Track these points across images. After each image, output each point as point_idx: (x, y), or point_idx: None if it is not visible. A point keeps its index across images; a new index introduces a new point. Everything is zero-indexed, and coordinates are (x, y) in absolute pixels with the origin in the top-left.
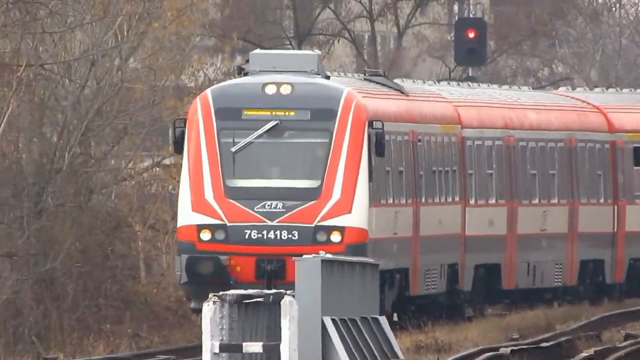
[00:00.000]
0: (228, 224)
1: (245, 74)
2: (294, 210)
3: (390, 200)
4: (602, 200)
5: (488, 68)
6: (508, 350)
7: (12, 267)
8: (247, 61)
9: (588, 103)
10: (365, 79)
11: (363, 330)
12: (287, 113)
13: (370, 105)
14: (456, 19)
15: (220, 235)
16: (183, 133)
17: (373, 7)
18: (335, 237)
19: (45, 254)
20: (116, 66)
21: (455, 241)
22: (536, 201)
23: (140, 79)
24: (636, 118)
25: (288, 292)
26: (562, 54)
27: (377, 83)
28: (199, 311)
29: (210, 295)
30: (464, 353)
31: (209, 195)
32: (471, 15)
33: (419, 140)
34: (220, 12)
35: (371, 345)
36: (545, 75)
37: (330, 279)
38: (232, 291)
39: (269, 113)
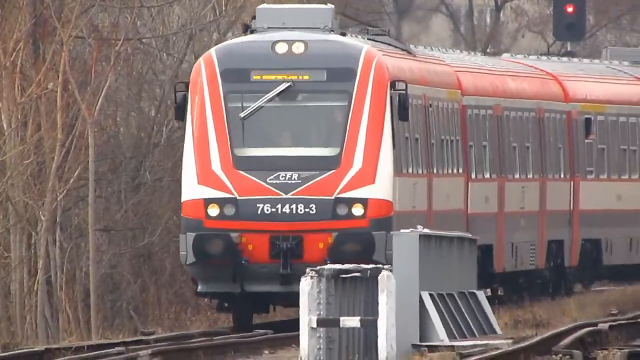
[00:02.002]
0: (238, 198)
1: (252, 32)
2: (311, 182)
3: (411, 170)
4: (562, 176)
5: (587, 43)
6: (606, 325)
7: (110, 242)
8: (254, 17)
9: (541, 70)
10: (368, 39)
11: (460, 305)
12: (301, 74)
13: (391, 64)
14: None
15: (230, 211)
16: (185, 98)
17: None
18: (358, 210)
19: (143, 228)
20: (214, 40)
21: (460, 218)
22: (517, 176)
23: None
24: (588, 87)
25: (386, 266)
26: None
27: (383, 43)
28: (205, 295)
29: (308, 270)
30: (562, 328)
31: (216, 166)
32: None
33: (430, 106)
34: None
35: (469, 320)
36: None
37: (428, 253)
38: (329, 265)
39: (280, 74)
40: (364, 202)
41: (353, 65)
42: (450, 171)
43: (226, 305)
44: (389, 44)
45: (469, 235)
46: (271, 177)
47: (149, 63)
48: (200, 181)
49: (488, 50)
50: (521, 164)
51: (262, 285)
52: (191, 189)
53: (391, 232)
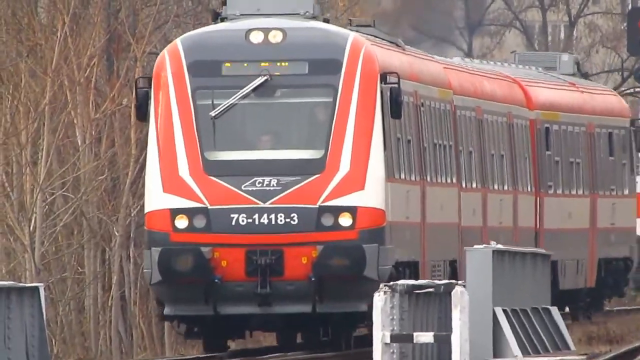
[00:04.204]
0: (210, 208)
1: (223, 20)
2: (292, 189)
3: (403, 176)
4: (528, 190)
5: None
6: None
7: None
8: (224, 3)
9: (503, 74)
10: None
11: (534, 320)
12: (279, 65)
13: (381, 55)
14: (629, 8)
15: (201, 222)
16: (148, 95)
17: None
18: (345, 220)
19: None
20: None
21: (454, 232)
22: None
23: None
24: (545, 94)
25: (459, 282)
26: None
27: (369, 35)
28: (172, 319)
29: (382, 285)
30: (637, 344)
31: (184, 172)
32: None
33: (422, 105)
34: (392, 1)
35: (542, 336)
36: None
37: (501, 269)
38: (402, 281)
39: (256, 67)
40: (352, 210)
41: (338, 55)
42: (443, 180)
43: (196, 330)
44: (376, 36)
45: (542, 250)
46: (247, 183)
47: None
48: (166, 189)
49: None
50: (499, 175)
51: (238, 307)
52: (156, 198)
53: (383, 246)
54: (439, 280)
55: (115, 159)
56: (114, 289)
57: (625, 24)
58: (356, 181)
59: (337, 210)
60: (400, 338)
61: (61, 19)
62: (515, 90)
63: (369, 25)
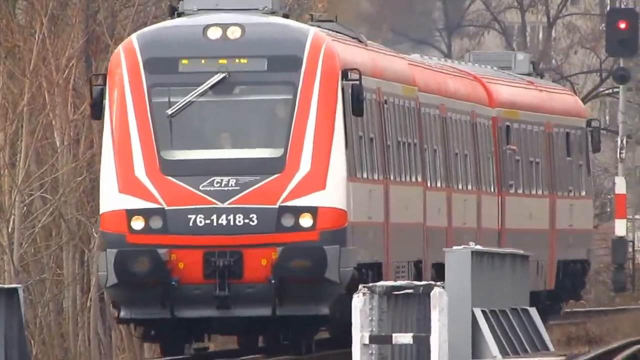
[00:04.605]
0: (166, 209)
1: (180, 15)
2: (251, 188)
3: (366, 175)
4: (491, 190)
5: None
6: None
7: None
8: None
9: (464, 71)
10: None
11: (513, 321)
12: (237, 62)
13: (342, 51)
14: (608, 8)
15: (157, 223)
16: (103, 93)
17: None
18: (306, 221)
19: None
20: None
21: (419, 233)
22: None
23: None
24: (505, 91)
25: (438, 283)
26: None
27: (330, 30)
28: (128, 322)
29: (360, 286)
30: (615, 345)
31: (140, 172)
32: (623, 6)
33: (385, 102)
34: (371, 3)
35: (521, 336)
36: None
37: (480, 270)
38: (381, 282)
39: (213, 63)
40: (313, 211)
41: (298, 52)
42: (408, 179)
43: (153, 333)
44: (337, 32)
45: (521, 252)
46: (205, 183)
47: None
48: (121, 189)
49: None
50: (463, 174)
51: (196, 310)
52: (111, 199)
53: (344, 247)
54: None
55: (94, 160)
56: (92, 290)
57: (603, 25)
58: (317, 181)
59: (298, 211)
60: (379, 339)
61: (39, 20)
62: (477, 88)
63: (330, 21)
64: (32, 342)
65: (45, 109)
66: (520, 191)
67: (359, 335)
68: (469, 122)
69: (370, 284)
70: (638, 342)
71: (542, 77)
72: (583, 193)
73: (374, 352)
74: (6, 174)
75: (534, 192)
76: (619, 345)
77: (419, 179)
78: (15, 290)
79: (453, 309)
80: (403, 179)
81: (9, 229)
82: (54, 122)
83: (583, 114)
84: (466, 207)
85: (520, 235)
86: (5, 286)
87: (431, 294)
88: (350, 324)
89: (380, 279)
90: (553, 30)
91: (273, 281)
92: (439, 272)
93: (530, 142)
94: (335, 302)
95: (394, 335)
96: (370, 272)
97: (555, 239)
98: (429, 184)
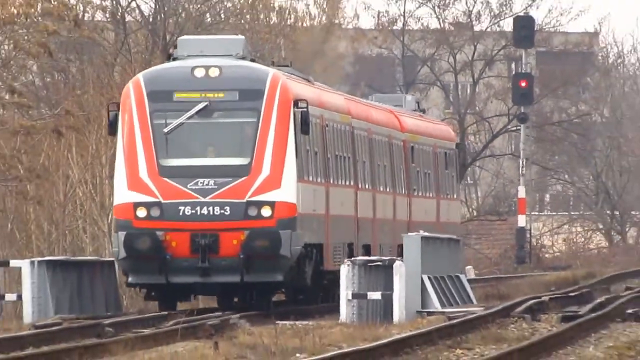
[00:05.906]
0: (163, 202)
1: (175, 59)
2: (226, 187)
3: (311, 179)
4: (403, 193)
5: (535, 107)
6: (547, 297)
7: None
8: (176, 47)
9: (383, 106)
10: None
11: (449, 283)
12: (216, 94)
13: (294, 86)
14: (513, 73)
15: (156, 212)
16: (117, 116)
17: (456, 65)
18: (266, 211)
19: None
20: None
21: (352, 222)
22: (386, 190)
23: None
24: (411, 122)
25: (399, 258)
26: (585, 97)
27: (286, 72)
28: (135, 286)
29: (346, 260)
30: (517, 300)
31: (143, 174)
32: (523, 71)
33: (327, 126)
34: (352, 67)
35: (454, 294)
36: (573, 112)
37: (427, 249)
38: (360, 257)
39: (198, 95)
40: (271, 204)
41: (261, 86)
42: (343, 182)
43: (153, 294)
44: (292, 73)
45: (454, 237)
46: (191, 183)
47: None
48: (130, 187)
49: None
50: (383, 180)
51: (184, 277)
52: (122, 194)
53: (294, 231)
54: (339, 258)
55: None
56: None
57: (510, 83)
58: (274, 181)
59: (260, 204)
60: (358, 296)
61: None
62: (392, 118)
63: (286, 65)
64: (124, 297)
65: None
66: (419, 194)
67: (345, 293)
68: (387, 142)
69: (352, 258)
70: (533, 297)
71: (424, 112)
72: (455, 196)
73: (355, 305)
74: (107, 183)
75: (427, 194)
76: (520, 300)
77: (352, 183)
78: (112, 262)
79: (409, 276)
80: (340, 182)
81: (109, 220)
82: None
83: (454, 139)
84: (385, 204)
85: (420, 226)
86: (106, 259)
87: (394, 265)
88: (300, 289)
89: (322, 256)
90: (477, 87)
91: (242, 256)
92: (366, 252)
93: (425, 159)
94: (287, 272)
95: (368, 293)
96: (314, 250)
97: (440, 229)
98: (359, 186)
